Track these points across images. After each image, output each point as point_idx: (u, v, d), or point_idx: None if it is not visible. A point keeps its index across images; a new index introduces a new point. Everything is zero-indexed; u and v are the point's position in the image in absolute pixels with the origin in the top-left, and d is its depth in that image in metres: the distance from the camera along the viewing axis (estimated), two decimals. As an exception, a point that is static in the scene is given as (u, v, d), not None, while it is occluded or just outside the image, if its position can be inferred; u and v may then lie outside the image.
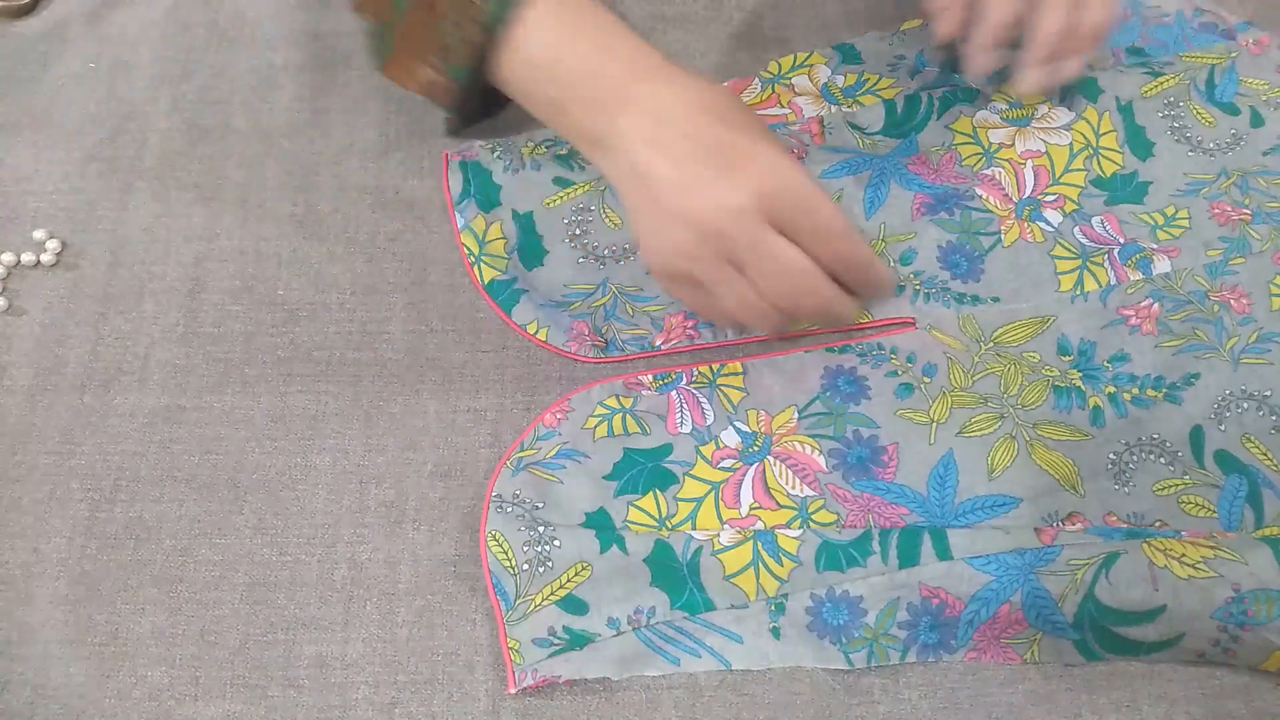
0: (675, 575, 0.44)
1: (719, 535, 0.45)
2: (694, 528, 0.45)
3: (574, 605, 0.43)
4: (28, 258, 0.53)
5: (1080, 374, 0.48)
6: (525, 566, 0.44)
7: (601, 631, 0.43)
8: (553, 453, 0.47)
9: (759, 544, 0.44)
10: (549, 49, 0.45)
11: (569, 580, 0.44)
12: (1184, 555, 0.42)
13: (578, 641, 0.43)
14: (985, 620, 0.42)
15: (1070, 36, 0.49)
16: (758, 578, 0.44)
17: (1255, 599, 0.41)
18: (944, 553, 0.43)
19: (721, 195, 0.41)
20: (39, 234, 0.53)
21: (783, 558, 0.44)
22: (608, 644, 0.43)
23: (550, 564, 0.44)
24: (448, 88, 0.49)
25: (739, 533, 0.45)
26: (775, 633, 0.43)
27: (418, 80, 0.49)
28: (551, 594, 0.44)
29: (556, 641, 0.43)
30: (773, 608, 0.43)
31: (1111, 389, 0.47)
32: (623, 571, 0.44)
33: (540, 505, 0.46)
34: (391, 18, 0.47)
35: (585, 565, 0.44)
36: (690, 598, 0.43)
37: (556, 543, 0.45)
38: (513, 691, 0.42)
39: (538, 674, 0.42)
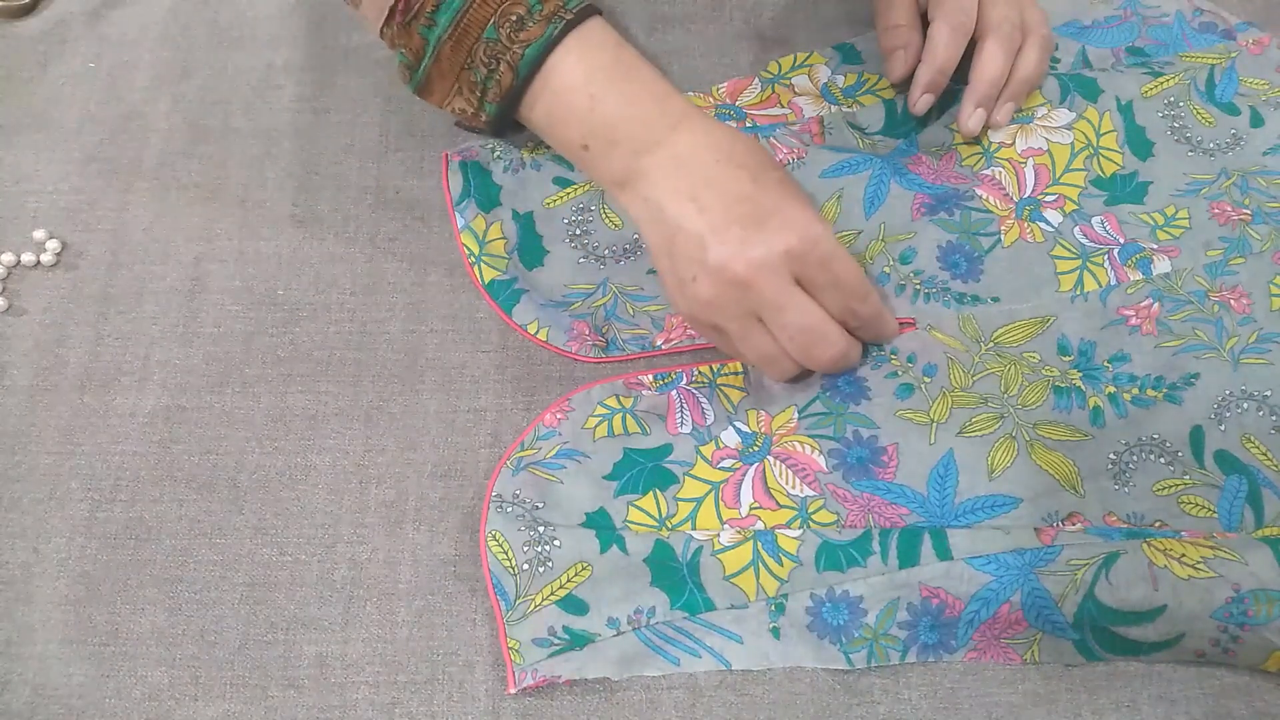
0: (675, 575, 0.44)
1: (719, 535, 0.45)
2: (694, 528, 0.45)
3: (574, 605, 0.43)
4: (27, 258, 0.53)
5: (1080, 374, 0.48)
6: (525, 566, 0.44)
7: (601, 631, 0.43)
8: (553, 453, 0.47)
9: (759, 544, 0.44)
10: (580, 94, 0.45)
11: (569, 580, 0.44)
12: (1184, 555, 0.42)
13: (578, 641, 0.43)
14: (985, 620, 0.42)
15: (1007, 84, 0.53)
16: (758, 578, 0.44)
17: (1255, 599, 0.41)
18: (944, 553, 0.43)
19: (750, 251, 0.42)
20: (39, 234, 0.53)
21: (783, 558, 0.44)
22: (608, 644, 0.43)
23: (550, 564, 0.44)
24: (478, 119, 0.49)
25: (739, 533, 0.45)
26: (775, 633, 0.43)
27: (451, 107, 0.50)
28: (551, 594, 0.44)
29: (557, 641, 0.43)
30: (773, 608, 0.43)
31: (1111, 389, 0.47)
32: (623, 571, 0.44)
33: (540, 505, 0.46)
34: (425, 54, 0.47)
35: (585, 565, 0.44)
36: (690, 598, 0.43)
37: (556, 543, 0.44)
38: (513, 691, 0.42)
39: (538, 674, 0.42)
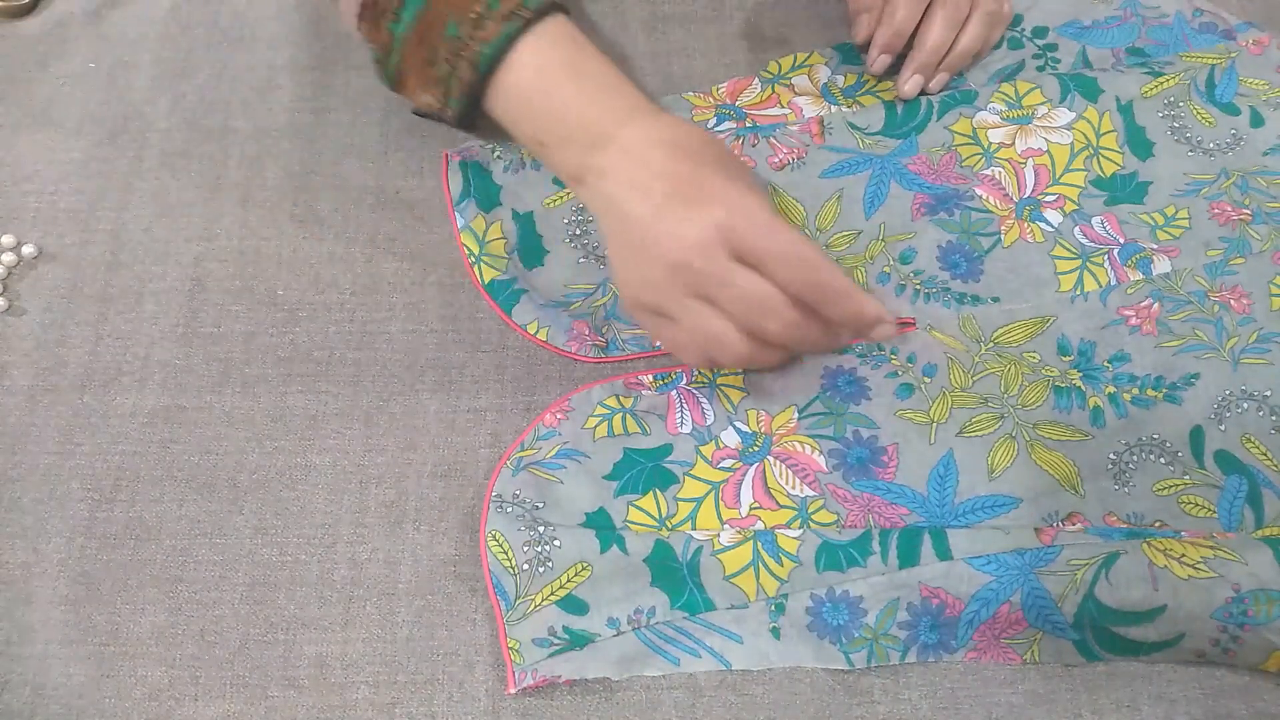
0: (675, 575, 0.44)
1: (719, 535, 0.45)
2: (694, 528, 0.45)
3: (574, 605, 0.43)
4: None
5: (1080, 374, 0.48)
6: (525, 566, 0.44)
7: (601, 631, 0.43)
8: (553, 453, 0.47)
9: (759, 544, 0.44)
10: (536, 90, 0.46)
11: (569, 580, 0.44)
12: (1184, 555, 0.42)
13: (578, 641, 0.43)
14: (985, 620, 0.42)
15: (947, 52, 0.55)
16: (758, 578, 0.44)
17: (1255, 599, 0.41)
18: (944, 553, 0.43)
19: (684, 229, 0.42)
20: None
21: (783, 558, 0.44)
22: (608, 644, 0.43)
23: (550, 564, 0.44)
24: (446, 114, 0.50)
25: (739, 533, 0.45)
26: (775, 633, 0.43)
27: (421, 102, 0.51)
28: (552, 594, 0.44)
29: (556, 641, 0.43)
30: (773, 608, 0.43)
31: (1111, 389, 0.47)
32: (623, 571, 0.44)
33: (540, 505, 0.46)
34: (392, 49, 0.49)
35: (585, 565, 0.44)
36: (690, 598, 0.43)
37: (557, 543, 0.44)
38: (513, 692, 0.42)
39: (538, 674, 0.42)
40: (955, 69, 0.56)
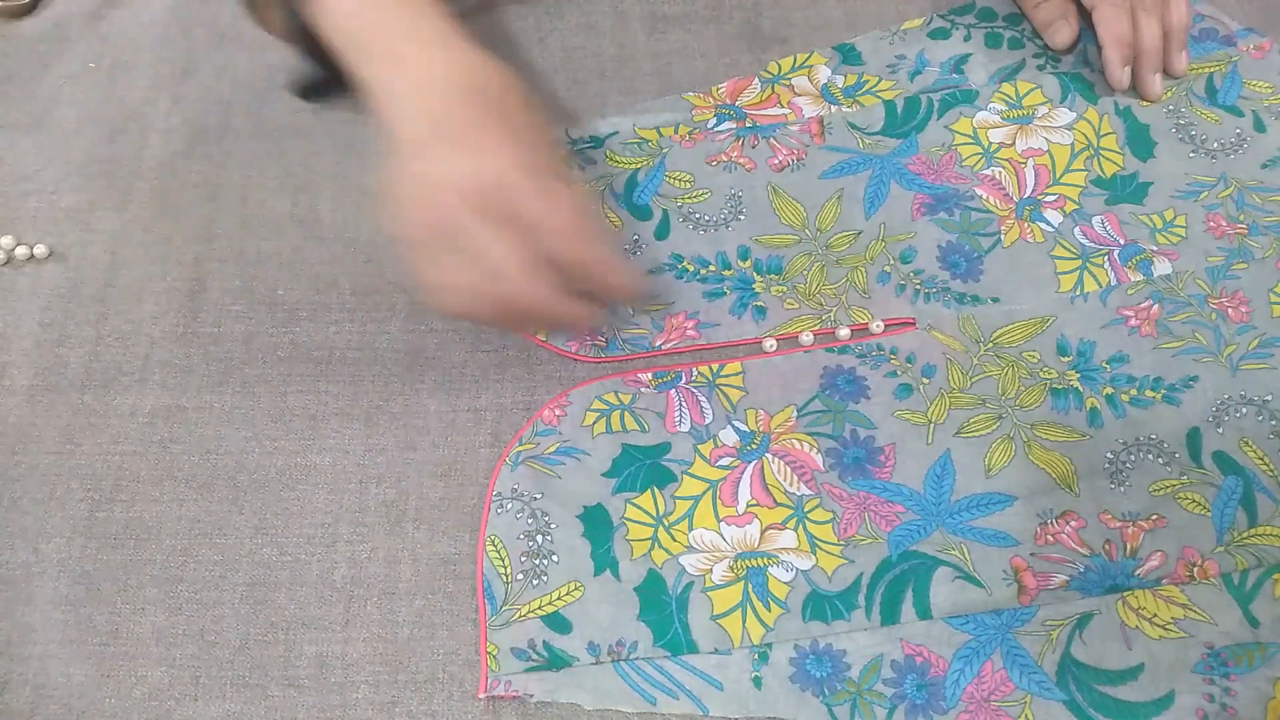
0: (663, 610, 0.44)
1: (711, 571, 0.44)
2: (691, 526, 0.45)
3: (559, 623, 0.43)
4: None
5: (1078, 375, 0.48)
6: (520, 577, 0.44)
7: (581, 655, 0.43)
8: (552, 449, 0.47)
9: (749, 586, 0.44)
10: (344, 2, 0.46)
11: (559, 598, 0.44)
12: (1155, 615, 0.42)
13: (555, 663, 0.43)
14: (970, 680, 0.42)
15: (1166, 36, 0.56)
16: (744, 621, 0.43)
17: (1232, 653, 0.41)
18: (924, 612, 0.43)
19: (442, 171, 0.41)
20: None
21: (771, 603, 0.43)
22: (585, 672, 0.43)
23: (545, 578, 0.44)
24: (287, 32, 0.50)
25: (730, 570, 0.44)
26: (757, 682, 0.42)
27: (272, 25, 0.50)
28: (539, 607, 0.43)
29: (535, 658, 0.43)
30: (756, 656, 0.43)
31: (1109, 390, 0.47)
32: (613, 598, 0.44)
33: (539, 496, 0.46)
34: None
35: (578, 585, 0.44)
36: (674, 638, 0.43)
37: (555, 558, 0.44)
38: (481, 696, 0.42)
39: (510, 686, 0.42)
40: (1182, 44, 0.56)
